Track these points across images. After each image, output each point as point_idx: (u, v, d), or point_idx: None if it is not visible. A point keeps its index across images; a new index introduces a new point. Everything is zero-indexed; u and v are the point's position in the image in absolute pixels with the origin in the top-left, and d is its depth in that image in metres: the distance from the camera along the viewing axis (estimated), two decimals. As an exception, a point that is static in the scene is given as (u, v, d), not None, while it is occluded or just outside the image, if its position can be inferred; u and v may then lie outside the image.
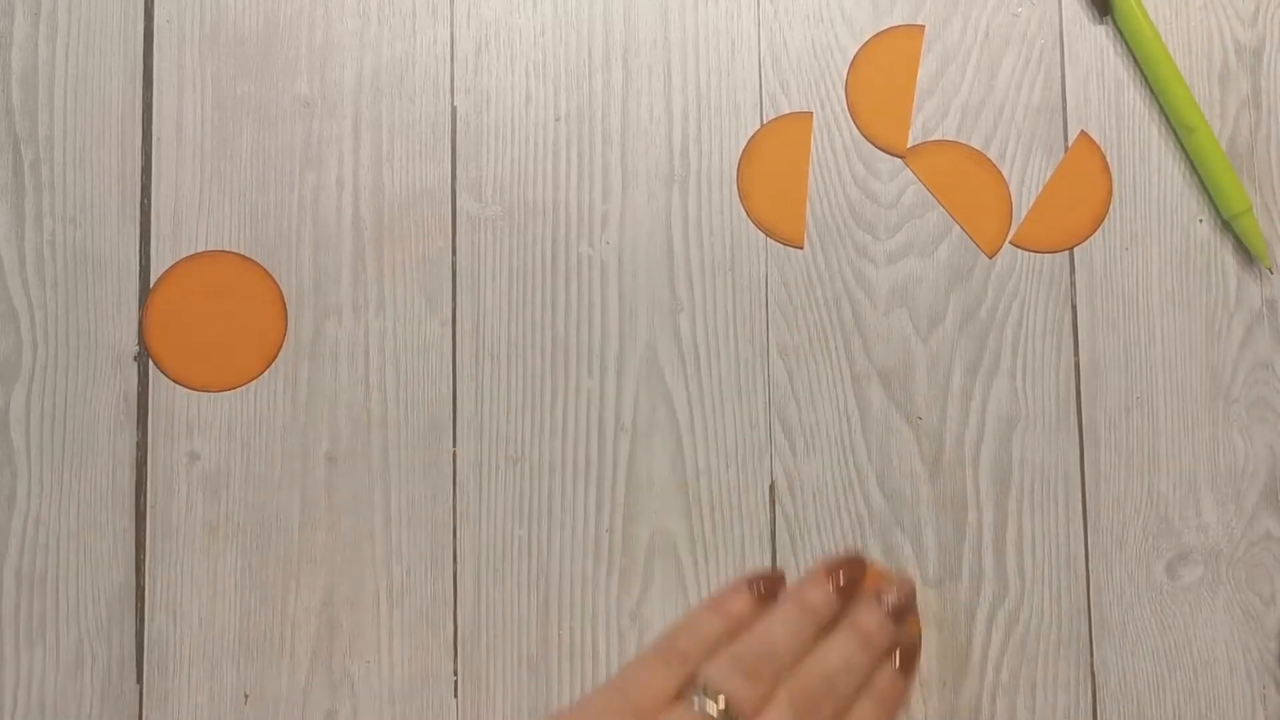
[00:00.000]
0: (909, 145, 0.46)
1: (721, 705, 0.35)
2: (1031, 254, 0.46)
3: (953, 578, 0.44)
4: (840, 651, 0.38)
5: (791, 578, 0.44)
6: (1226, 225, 0.46)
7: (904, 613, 0.40)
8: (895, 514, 0.44)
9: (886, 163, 0.46)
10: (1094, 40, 0.47)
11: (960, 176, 0.46)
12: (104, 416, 0.43)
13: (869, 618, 0.39)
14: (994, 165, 0.46)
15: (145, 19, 0.45)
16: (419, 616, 0.43)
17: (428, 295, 0.45)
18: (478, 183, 0.45)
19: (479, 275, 0.45)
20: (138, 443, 0.44)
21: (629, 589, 0.44)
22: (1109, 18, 0.46)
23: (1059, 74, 0.46)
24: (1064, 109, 0.46)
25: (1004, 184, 0.46)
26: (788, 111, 0.46)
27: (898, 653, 0.39)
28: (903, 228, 0.45)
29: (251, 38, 0.45)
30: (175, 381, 0.44)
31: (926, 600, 0.44)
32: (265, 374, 0.44)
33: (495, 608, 0.43)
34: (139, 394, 0.44)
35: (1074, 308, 0.45)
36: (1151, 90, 0.46)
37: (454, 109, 0.46)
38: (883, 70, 0.46)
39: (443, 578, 0.43)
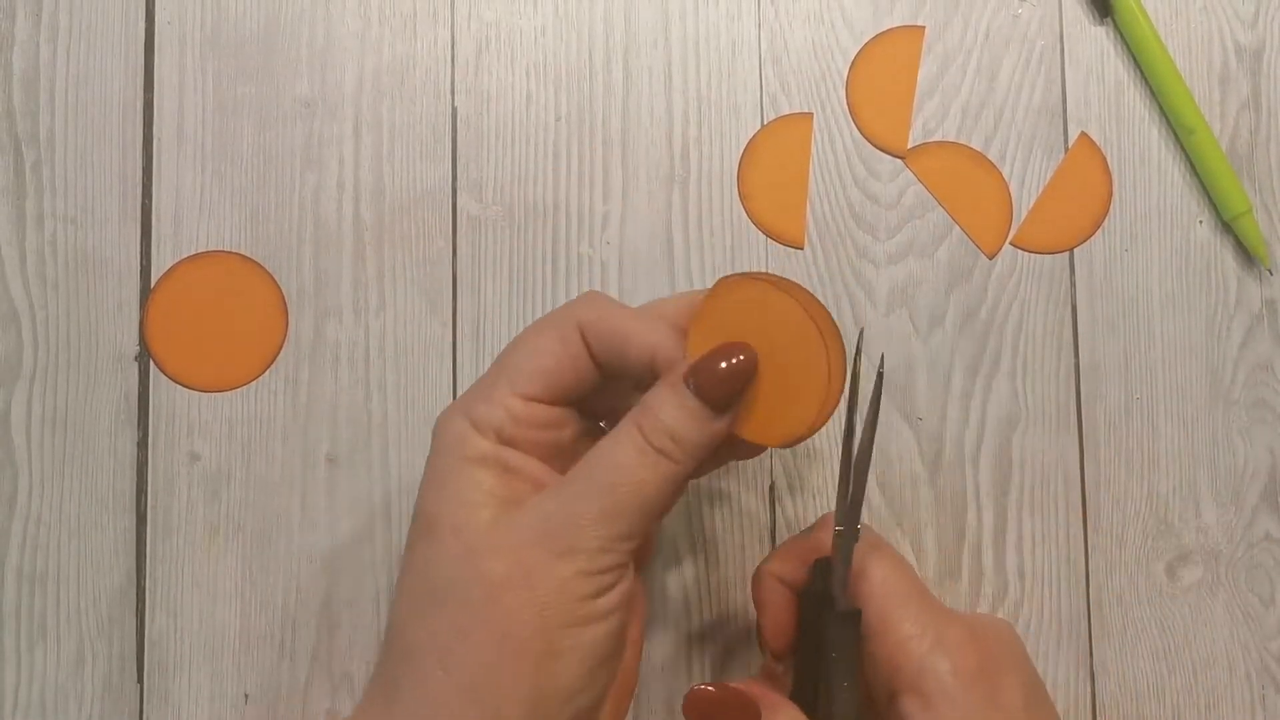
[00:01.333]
0: (909, 146, 0.46)
1: None
2: (1031, 255, 0.46)
3: (953, 578, 0.44)
4: None
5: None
6: (1226, 226, 0.46)
7: None
8: (895, 514, 0.44)
9: (887, 164, 0.46)
10: (1094, 41, 0.47)
11: (960, 177, 0.46)
12: (105, 417, 0.44)
13: None
14: (994, 166, 0.46)
15: (146, 20, 0.45)
16: (419, 617, 0.43)
17: (428, 296, 0.45)
18: (478, 183, 0.45)
19: (479, 276, 0.45)
20: (138, 443, 0.44)
21: (629, 589, 0.44)
22: (1109, 19, 0.47)
23: (1059, 75, 0.46)
24: (1064, 110, 0.46)
25: (1004, 185, 0.46)
26: (788, 112, 0.46)
27: None
28: (903, 229, 0.45)
29: (252, 39, 0.45)
30: (176, 382, 0.44)
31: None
32: (266, 374, 0.44)
33: (495, 608, 0.43)
34: (140, 394, 0.44)
35: (1074, 309, 0.45)
36: (1152, 92, 0.46)
37: (454, 110, 0.46)
38: (883, 71, 0.46)
39: (443, 578, 0.43)
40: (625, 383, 0.35)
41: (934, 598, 0.37)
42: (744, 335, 0.33)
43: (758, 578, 0.39)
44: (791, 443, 0.34)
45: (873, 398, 0.37)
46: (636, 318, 0.34)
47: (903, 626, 0.35)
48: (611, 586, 0.32)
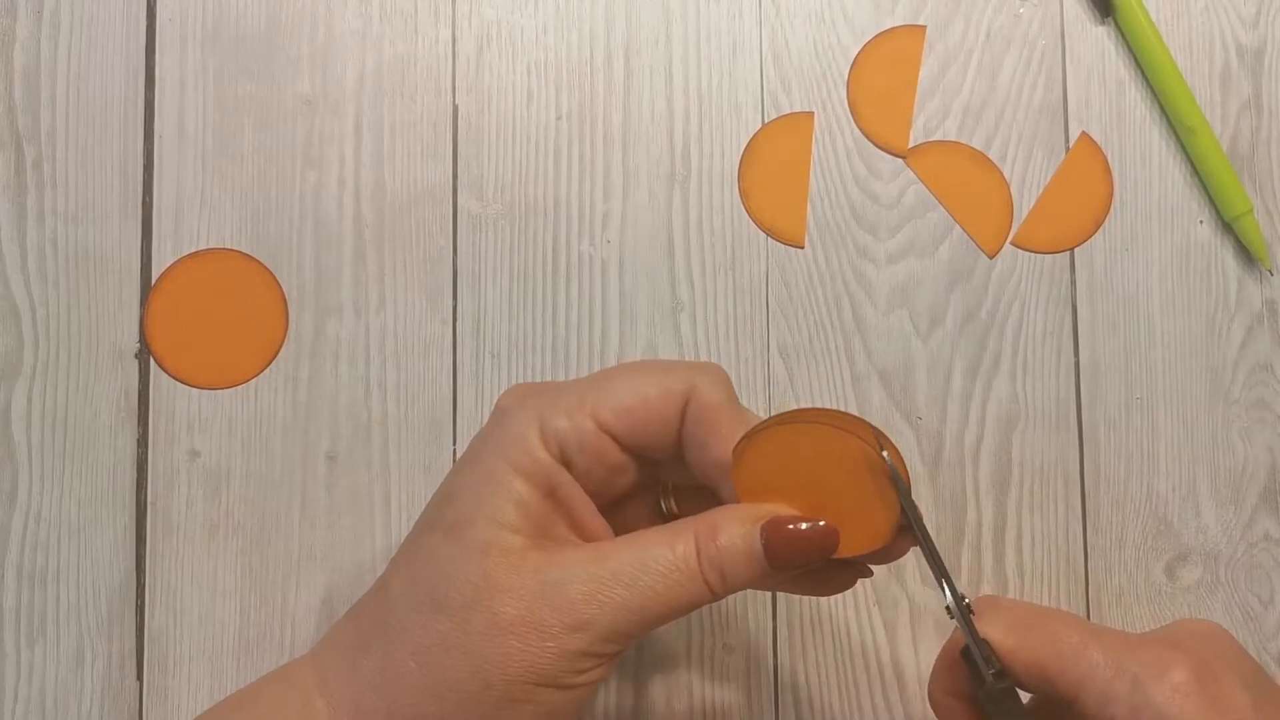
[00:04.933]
0: (910, 145, 0.46)
1: None
2: (1032, 254, 0.46)
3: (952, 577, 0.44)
4: None
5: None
6: (1227, 227, 0.46)
7: None
8: (895, 514, 0.44)
9: (888, 163, 0.46)
10: (1095, 41, 0.47)
11: (961, 177, 0.46)
12: (105, 414, 0.44)
13: None
14: (995, 166, 0.46)
15: (147, 17, 0.45)
16: (419, 614, 0.43)
17: (429, 294, 0.45)
18: (479, 182, 0.45)
19: (480, 274, 0.45)
20: (139, 440, 0.44)
21: (628, 588, 0.44)
22: (1110, 19, 0.47)
23: (1060, 75, 0.46)
24: (1065, 110, 0.46)
25: (1005, 185, 0.46)
26: (789, 111, 0.46)
27: None
28: (903, 228, 0.45)
29: (253, 36, 0.45)
30: (176, 379, 0.44)
31: (926, 601, 0.44)
32: (266, 372, 0.44)
33: (495, 606, 0.43)
34: (140, 391, 0.44)
35: (1074, 308, 0.45)
36: (1153, 91, 0.46)
37: (455, 108, 0.46)
38: (884, 70, 0.46)
39: (443, 576, 0.43)
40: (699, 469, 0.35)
41: (1104, 629, 0.34)
42: (798, 469, 0.33)
43: (931, 702, 0.37)
44: (870, 550, 0.33)
45: (904, 495, 0.34)
46: (735, 421, 0.33)
47: (1095, 680, 0.33)
48: (599, 666, 0.33)
